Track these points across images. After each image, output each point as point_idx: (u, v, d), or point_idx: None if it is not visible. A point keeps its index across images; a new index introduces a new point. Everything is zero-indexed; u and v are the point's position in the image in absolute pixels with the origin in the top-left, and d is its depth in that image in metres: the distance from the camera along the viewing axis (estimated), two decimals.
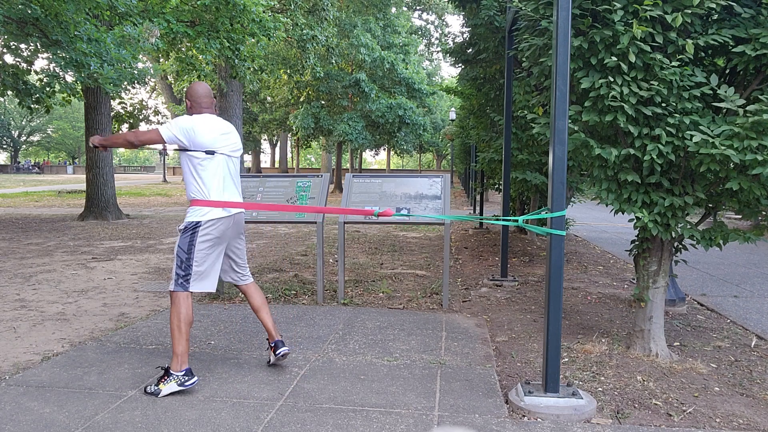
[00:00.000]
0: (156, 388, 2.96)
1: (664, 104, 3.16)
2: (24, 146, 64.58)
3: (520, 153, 7.11)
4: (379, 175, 5.48)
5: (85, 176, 13.86)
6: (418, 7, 36.22)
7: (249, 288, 3.41)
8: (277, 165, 48.32)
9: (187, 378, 2.96)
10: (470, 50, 7.40)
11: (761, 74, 3.19)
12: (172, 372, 2.96)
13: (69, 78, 9.04)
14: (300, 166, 56.59)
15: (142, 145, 3.17)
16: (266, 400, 2.95)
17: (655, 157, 3.15)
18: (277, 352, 3.33)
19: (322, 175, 5.30)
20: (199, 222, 3.04)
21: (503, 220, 3.21)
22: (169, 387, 2.94)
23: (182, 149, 3.09)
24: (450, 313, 4.82)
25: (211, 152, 3.07)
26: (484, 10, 6.19)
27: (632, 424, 2.73)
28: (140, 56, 11.96)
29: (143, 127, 15.00)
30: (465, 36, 7.59)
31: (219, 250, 3.17)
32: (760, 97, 2.98)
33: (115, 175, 17.54)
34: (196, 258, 3.04)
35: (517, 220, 3.17)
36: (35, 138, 64.71)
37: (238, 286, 3.44)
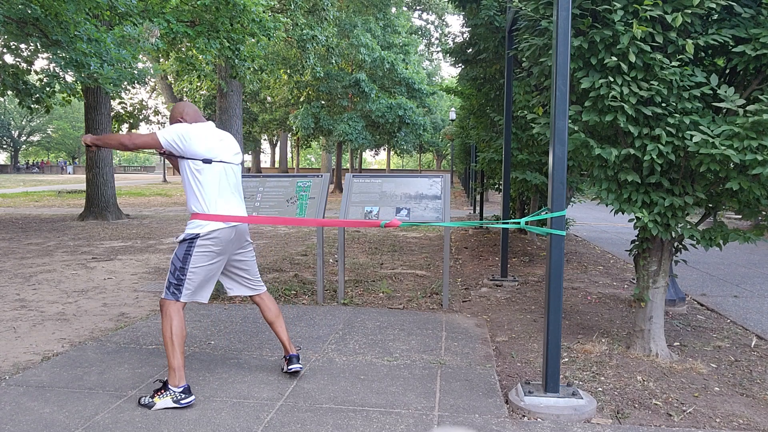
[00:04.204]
0: (150, 400, 2.82)
1: (664, 104, 3.16)
2: (24, 146, 64.59)
3: (520, 153, 7.11)
4: (379, 175, 5.48)
5: (85, 176, 13.87)
6: (418, 7, 36.21)
7: (263, 299, 3.29)
8: (277, 165, 48.32)
9: (184, 395, 2.82)
10: (470, 50, 7.40)
11: (761, 74, 3.19)
12: (169, 387, 2.83)
13: (69, 78, 9.04)
14: (300, 166, 56.58)
15: (137, 149, 3.00)
16: (266, 400, 2.95)
17: (655, 157, 3.15)
18: (289, 367, 3.25)
19: (322, 175, 5.30)
20: (197, 234, 2.91)
21: (504, 223, 3.21)
22: (164, 402, 2.80)
23: (179, 156, 2.98)
24: (450, 313, 4.82)
25: (208, 160, 2.95)
26: (484, 10, 6.19)
27: (632, 424, 2.73)
28: (140, 56, 11.97)
29: (143, 127, 14.99)
30: (465, 36, 7.59)
31: (218, 263, 3.03)
32: (760, 97, 2.98)
33: (115, 175, 17.55)
34: (191, 269, 2.91)
35: (519, 222, 3.17)
36: (35, 138, 64.73)
37: (252, 298, 3.31)
